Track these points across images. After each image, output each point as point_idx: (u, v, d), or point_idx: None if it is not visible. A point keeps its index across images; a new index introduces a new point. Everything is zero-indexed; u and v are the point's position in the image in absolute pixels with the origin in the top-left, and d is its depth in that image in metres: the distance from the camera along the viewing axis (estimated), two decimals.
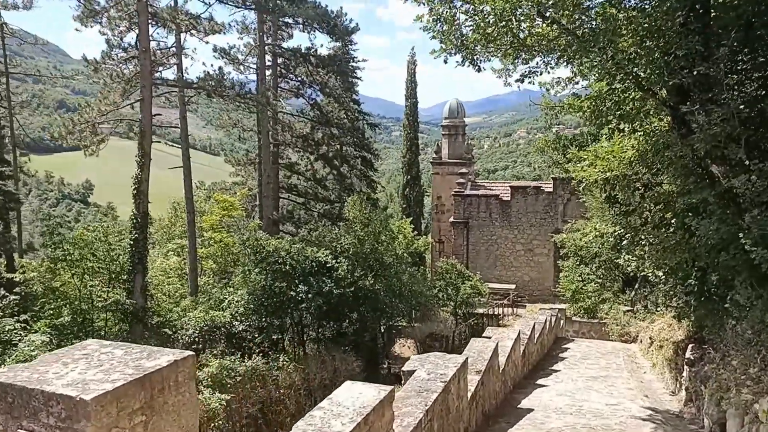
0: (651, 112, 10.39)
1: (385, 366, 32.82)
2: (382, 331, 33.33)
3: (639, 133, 11.29)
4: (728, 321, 10.17)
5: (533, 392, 11.32)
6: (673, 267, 10.61)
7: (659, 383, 13.60)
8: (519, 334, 12.45)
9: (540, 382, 12.54)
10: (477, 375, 8.64)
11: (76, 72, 39.63)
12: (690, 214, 10.05)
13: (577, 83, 18.58)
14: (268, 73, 31.68)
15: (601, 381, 13.23)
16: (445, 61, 11.31)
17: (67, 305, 22.69)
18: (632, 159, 11.68)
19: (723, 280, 9.67)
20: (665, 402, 11.77)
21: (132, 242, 22.60)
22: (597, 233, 12.76)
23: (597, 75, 9.67)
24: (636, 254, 12.45)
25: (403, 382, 7.40)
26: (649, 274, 13.08)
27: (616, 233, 12.53)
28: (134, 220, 22.68)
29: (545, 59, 10.99)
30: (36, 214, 34.91)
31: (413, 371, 7.25)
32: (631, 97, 10.20)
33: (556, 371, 14.25)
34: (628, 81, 9.65)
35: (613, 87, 9.33)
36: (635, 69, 8.77)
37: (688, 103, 8.40)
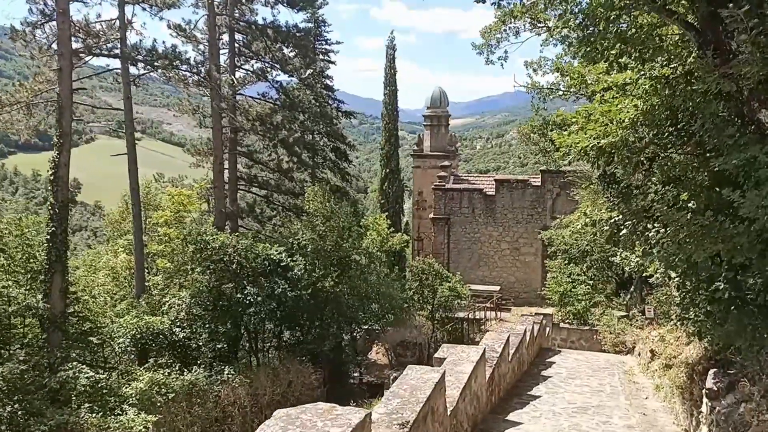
0: (665, 46, 7.34)
1: (356, 375, 29.70)
2: (354, 336, 30.27)
3: (645, 83, 8.28)
4: None
5: None
6: (692, 264, 7.57)
7: (667, 415, 10.59)
8: (484, 352, 9.38)
9: (511, 417, 9.48)
10: (401, 430, 5.56)
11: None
12: (719, 188, 7.04)
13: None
14: (226, 51, 28.51)
15: (592, 413, 10.19)
16: None
17: None
18: (636, 119, 8.65)
19: None
20: None
21: (49, 236, 19.37)
22: (588, 220, 9.67)
23: None
24: (639, 248, 9.43)
25: None
26: (656, 275, 10.04)
27: (612, 220, 9.49)
28: (51, 211, 19.44)
29: None
30: None
31: None
32: (636, 22, 7.16)
33: (535, 398, 11.20)
34: None
35: None
36: None
37: (730, 4, 5.35)
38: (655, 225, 8.60)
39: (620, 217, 9.55)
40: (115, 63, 26.14)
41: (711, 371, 8.81)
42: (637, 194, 8.97)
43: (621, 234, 9.45)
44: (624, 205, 9.87)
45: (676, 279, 8.32)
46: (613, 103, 9.10)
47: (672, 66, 8.22)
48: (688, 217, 6.70)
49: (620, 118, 8.88)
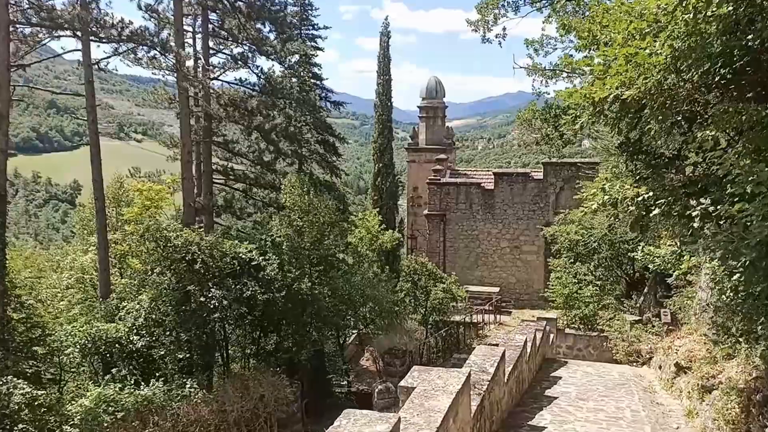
0: None
1: (343, 383, 27.24)
2: (342, 342, 27.84)
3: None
4: None
5: None
6: (764, 255, 5.15)
7: None
8: (469, 377, 6.97)
9: None
10: None
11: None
12: None
13: None
14: (200, 34, 26.15)
15: None
16: None
17: None
18: (678, 55, 6.26)
19: None
20: None
21: None
22: (606, 198, 7.22)
23: None
24: (677, 232, 7.03)
25: None
26: (704, 272, 7.60)
27: (640, 198, 7.07)
28: None
29: None
30: None
31: None
32: None
33: (538, 431, 8.76)
34: None
35: None
36: None
37: None
38: (702, 201, 6.21)
39: (651, 194, 7.15)
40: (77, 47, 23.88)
41: None
42: (679, 165, 6.59)
43: (651, 215, 7.05)
44: (654, 180, 7.47)
45: (737, 279, 5.87)
46: (641, 42, 6.70)
47: None
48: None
49: (651, 62, 6.49)
